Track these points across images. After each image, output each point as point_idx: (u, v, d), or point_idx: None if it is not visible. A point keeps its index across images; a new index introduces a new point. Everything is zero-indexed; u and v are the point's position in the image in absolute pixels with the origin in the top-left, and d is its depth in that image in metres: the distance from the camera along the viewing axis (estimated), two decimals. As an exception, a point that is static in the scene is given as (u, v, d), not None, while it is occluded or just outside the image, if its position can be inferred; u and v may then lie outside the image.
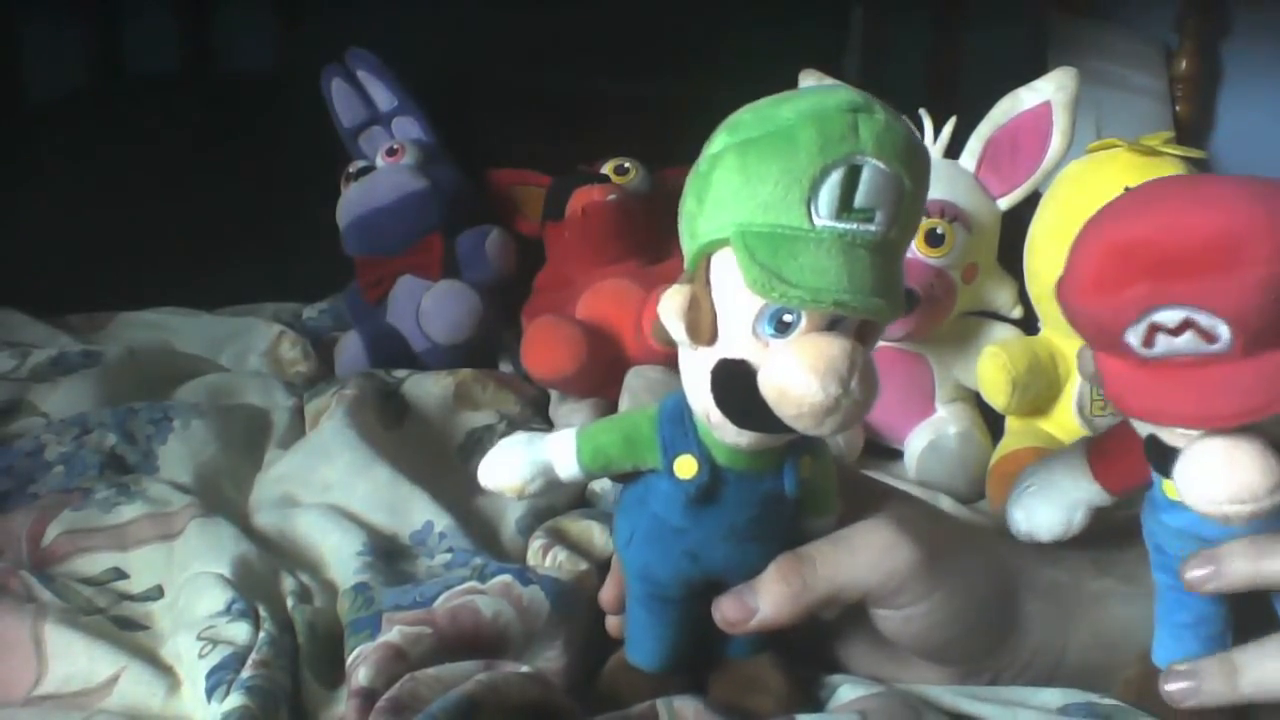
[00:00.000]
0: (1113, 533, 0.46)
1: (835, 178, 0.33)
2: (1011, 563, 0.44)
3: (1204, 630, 0.39)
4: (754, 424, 0.36)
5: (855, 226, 0.34)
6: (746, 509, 0.39)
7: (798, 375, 0.34)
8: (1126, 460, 0.41)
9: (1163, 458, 0.37)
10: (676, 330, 0.36)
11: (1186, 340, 0.34)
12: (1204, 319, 0.33)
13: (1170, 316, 0.34)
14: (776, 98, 0.36)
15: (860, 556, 0.40)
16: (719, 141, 0.36)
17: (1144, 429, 0.38)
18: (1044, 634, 0.43)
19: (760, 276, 0.33)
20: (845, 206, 0.33)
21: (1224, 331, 0.33)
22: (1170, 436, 0.36)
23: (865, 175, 0.33)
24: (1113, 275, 0.34)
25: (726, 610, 0.41)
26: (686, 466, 0.38)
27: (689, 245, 0.37)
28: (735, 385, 0.35)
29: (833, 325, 0.35)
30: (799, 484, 0.39)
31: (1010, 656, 0.43)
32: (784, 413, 0.34)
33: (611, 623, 0.46)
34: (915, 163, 0.35)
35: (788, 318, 0.35)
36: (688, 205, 0.37)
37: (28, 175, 0.95)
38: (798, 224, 0.33)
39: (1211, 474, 0.34)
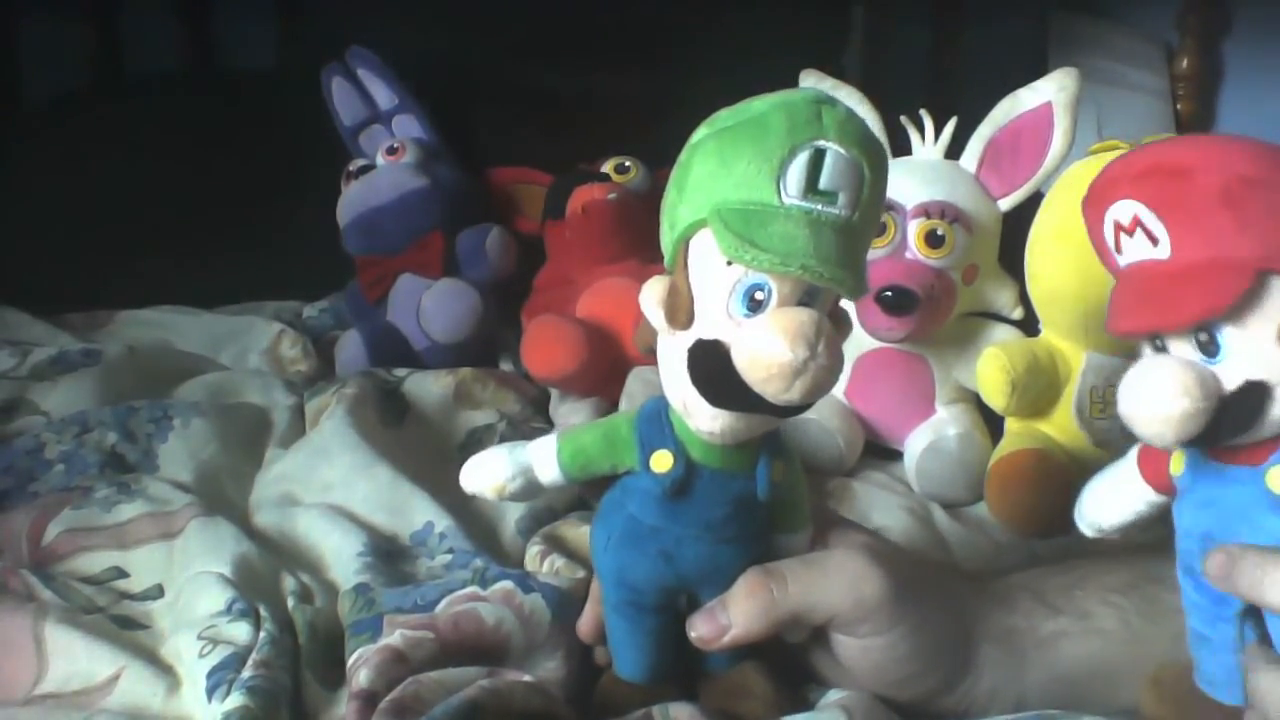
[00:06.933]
0: (1066, 570, 0.46)
1: (802, 159, 0.36)
2: (970, 608, 0.44)
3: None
4: (728, 401, 0.38)
5: (820, 207, 0.36)
6: (720, 507, 0.41)
7: (767, 338, 0.36)
8: (1165, 456, 0.41)
9: None
10: (655, 317, 0.38)
11: (1140, 240, 0.36)
12: (1146, 214, 0.36)
13: (1124, 210, 0.37)
14: (751, 97, 0.38)
15: (832, 579, 0.41)
16: (697, 134, 0.39)
17: None
18: (996, 681, 0.43)
19: (734, 243, 0.36)
20: (811, 187, 0.36)
21: (1162, 232, 0.36)
22: None
23: (829, 159, 0.36)
24: (1091, 188, 0.39)
25: (700, 627, 0.42)
26: (662, 461, 0.40)
27: (669, 237, 0.39)
28: (710, 363, 0.37)
29: (801, 304, 0.37)
30: (771, 487, 0.41)
31: (965, 701, 0.43)
32: (755, 378, 0.36)
33: (599, 651, 0.47)
34: (874, 153, 0.38)
35: (759, 295, 0.37)
36: (669, 197, 0.39)
37: (27, 175, 0.95)
38: (768, 200, 0.36)
39: (1132, 388, 0.36)
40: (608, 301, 0.77)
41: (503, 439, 0.68)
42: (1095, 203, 0.38)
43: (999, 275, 0.69)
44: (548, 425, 0.73)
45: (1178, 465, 0.40)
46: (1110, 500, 0.44)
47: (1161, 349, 0.37)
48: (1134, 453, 0.43)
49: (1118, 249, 0.38)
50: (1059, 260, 0.60)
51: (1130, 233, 0.37)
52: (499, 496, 0.42)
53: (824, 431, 0.66)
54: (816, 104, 0.37)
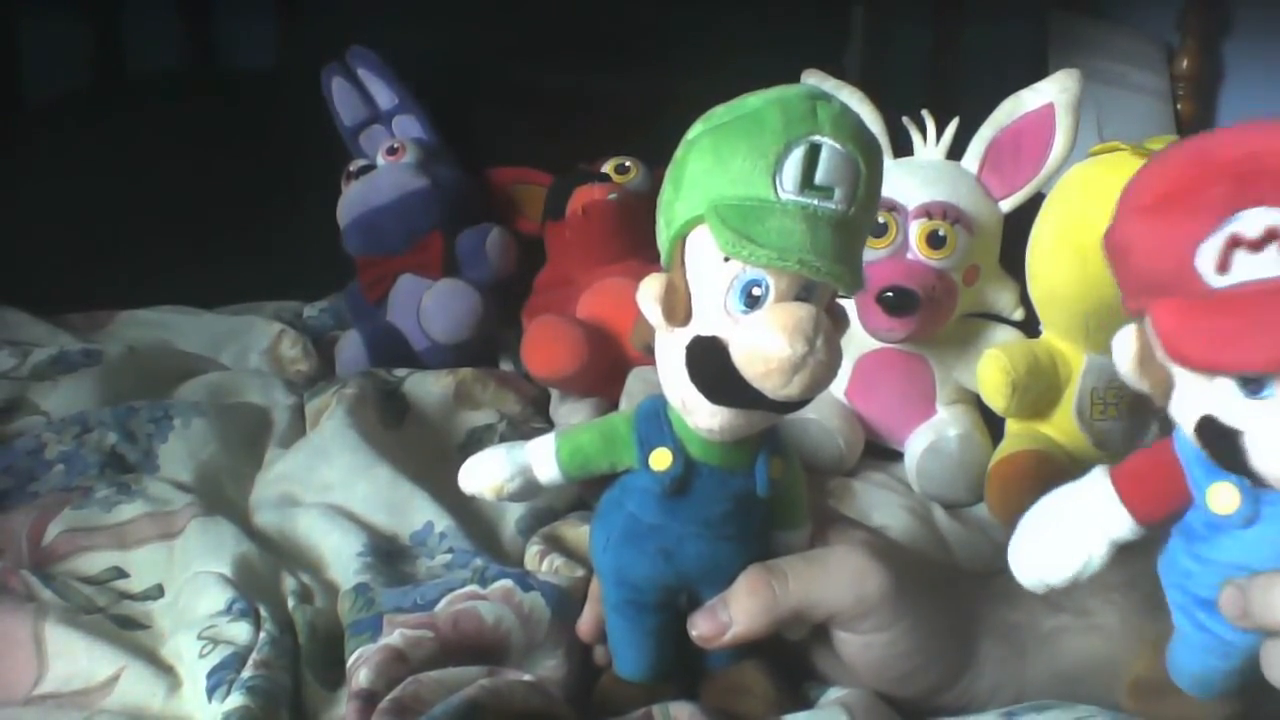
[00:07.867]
0: None
1: (797, 154, 0.36)
2: (971, 605, 0.44)
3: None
4: (726, 397, 0.38)
5: (816, 202, 0.36)
6: (719, 504, 0.41)
7: (766, 334, 0.36)
8: (1161, 482, 0.37)
9: (1222, 441, 0.32)
10: (653, 314, 0.38)
11: (1271, 257, 0.29)
12: None
13: (1254, 222, 0.29)
14: (746, 94, 0.38)
15: (833, 576, 0.41)
16: (693, 131, 0.39)
17: (1197, 410, 0.33)
18: (998, 677, 0.43)
19: (731, 238, 0.36)
20: (807, 182, 0.36)
21: None
22: (1231, 414, 0.32)
23: (824, 154, 0.36)
24: (1189, 180, 0.30)
25: (700, 626, 0.41)
26: (661, 458, 0.40)
27: (665, 235, 0.39)
28: (708, 359, 0.37)
29: (799, 299, 0.37)
30: (770, 484, 0.41)
31: (965, 697, 0.43)
32: (754, 373, 0.36)
33: (598, 651, 0.47)
34: (869, 148, 0.37)
35: (756, 290, 0.37)
36: (665, 195, 0.39)
37: (28, 175, 0.95)
38: (764, 195, 0.36)
39: None
40: (608, 301, 0.77)
41: (503, 439, 0.68)
42: (1194, 215, 0.30)
43: (1000, 276, 0.69)
44: (548, 425, 0.73)
45: (1229, 502, 0.35)
46: (1075, 544, 0.38)
47: (1256, 393, 0.31)
48: (1102, 484, 0.38)
49: (1222, 267, 0.30)
50: (1060, 261, 0.60)
51: (1258, 247, 0.30)
52: (497, 497, 0.41)
53: (824, 431, 0.66)
54: (811, 99, 0.37)
